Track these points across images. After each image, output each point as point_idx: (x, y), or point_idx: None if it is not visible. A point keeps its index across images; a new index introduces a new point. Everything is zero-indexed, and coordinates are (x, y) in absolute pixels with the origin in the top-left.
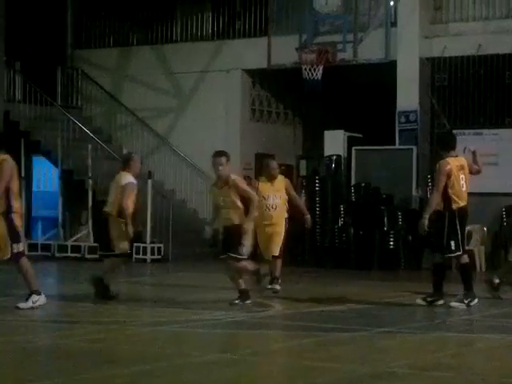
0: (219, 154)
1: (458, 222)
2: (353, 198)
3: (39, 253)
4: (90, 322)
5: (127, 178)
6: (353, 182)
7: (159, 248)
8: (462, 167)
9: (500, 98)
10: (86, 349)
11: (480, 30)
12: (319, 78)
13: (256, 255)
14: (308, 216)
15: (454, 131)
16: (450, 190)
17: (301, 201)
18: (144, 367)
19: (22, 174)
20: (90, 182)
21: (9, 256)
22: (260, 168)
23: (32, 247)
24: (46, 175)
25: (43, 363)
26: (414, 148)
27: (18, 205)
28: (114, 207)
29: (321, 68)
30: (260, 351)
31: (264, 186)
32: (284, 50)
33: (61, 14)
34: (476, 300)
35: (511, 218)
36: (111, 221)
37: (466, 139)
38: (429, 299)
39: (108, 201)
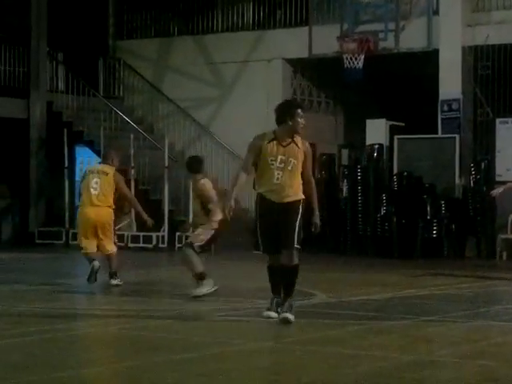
0: None
1: None
2: (395, 187)
3: None
4: (132, 311)
5: None
6: (395, 171)
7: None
8: None
9: None
10: (127, 337)
11: None
12: (360, 66)
13: None
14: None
15: (498, 120)
16: None
17: None
18: (185, 355)
19: (66, 164)
20: (133, 171)
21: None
22: None
23: (74, 236)
24: (89, 165)
25: (87, 350)
26: (457, 137)
27: None
28: None
29: (362, 57)
30: (302, 340)
31: None
32: (325, 40)
33: (102, 5)
34: None
35: None
36: None
37: (509, 127)
38: None
39: None
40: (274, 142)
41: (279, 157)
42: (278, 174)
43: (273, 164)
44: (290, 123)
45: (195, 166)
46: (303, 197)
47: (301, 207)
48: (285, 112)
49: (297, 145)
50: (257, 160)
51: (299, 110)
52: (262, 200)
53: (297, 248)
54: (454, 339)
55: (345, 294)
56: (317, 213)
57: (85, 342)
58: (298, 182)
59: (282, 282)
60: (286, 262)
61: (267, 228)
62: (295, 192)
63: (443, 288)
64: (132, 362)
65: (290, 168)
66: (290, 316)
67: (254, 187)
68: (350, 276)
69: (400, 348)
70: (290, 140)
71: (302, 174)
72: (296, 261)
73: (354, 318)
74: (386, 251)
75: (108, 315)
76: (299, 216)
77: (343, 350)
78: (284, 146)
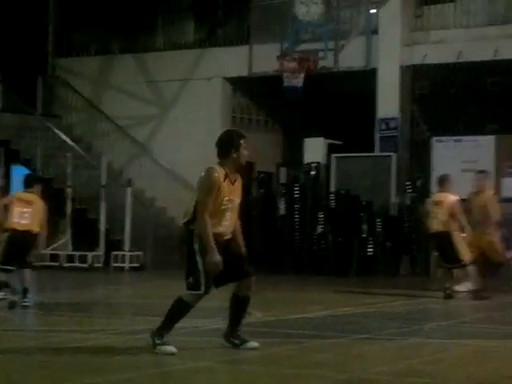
0: None
1: None
2: (332, 206)
3: None
4: (67, 330)
5: None
6: (332, 189)
7: (138, 256)
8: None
9: (480, 105)
10: (62, 357)
11: (460, 38)
12: (300, 85)
13: None
14: None
15: (434, 138)
16: None
17: None
18: (124, 375)
19: (1, 183)
20: (70, 190)
21: None
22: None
23: None
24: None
25: (21, 372)
26: (394, 155)
27: None
28: None
29: (302, 76)
30: (238, 359)
31: None
32: (265, 58)
33: (42, 23)
34: None
35: None
36: None
37: (445, 146)
38: None
39: None
40: (227, 179)
41: (230, 196)
42: (229, 214)
43: (226, 204)
44: (235, 156)
45: None
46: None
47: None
48: (229, 144)
49: (239, 181)
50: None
51: (243, 141)
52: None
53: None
54: (388, 357)
55: (281, 312)
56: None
57: (22, 363)
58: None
59: (237, 313)
60: (247, 292)
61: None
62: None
63: (378, 306)
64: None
65: (236, 206)
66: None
67: (188, 225)
68: (287, 294)
69: (335, 366)
70: (236, 176)
71: None
72: (251, 291)
73: (290, 337)
74: (322, 269)
75: (42, 336)
76: (241, 246)
77: (280, 369)
78: (233, 184)
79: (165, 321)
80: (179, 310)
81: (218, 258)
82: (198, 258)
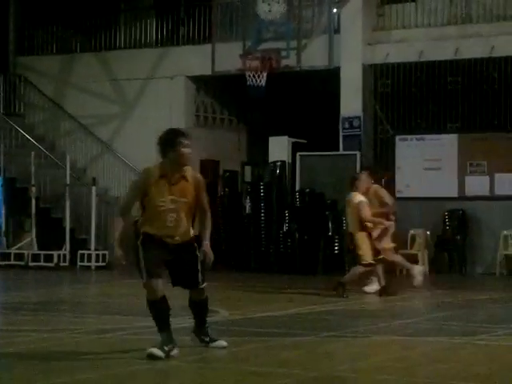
0: None
1: None
2: (297, 204)
3: None
4: (33, 330)
5: None
6: (297, 188)
7: (104, 255)
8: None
9: (442, 103)
10: (29, 357)
11: (422, 37)
12: (263, 84)
13: None
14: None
15: (397, 137)
16: None
17: None
18: (89, 375)
19: None
20: (34, 189)
21: None
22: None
23: None
24: None
25: None
26: (358, 153)
27: None
28: None
29: (265, 74)
30: (205, 357)
31: None
32: (228, 57)
33: (3, 21)
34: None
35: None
36: None
37: (409, 145)
38: None
39: None
40: (165, 178)
41: (170, 197)
42: (172, 215)
43: (163, 204)
44: (173, 155)
45: None
46: (195, 233)
47: (195, 244)
48: (166, 143)
49: (187, 180)
50: (143, 200)
51: (183, 139)
52: (149, 236)
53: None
54: (355, 354)
55: (248, 310)
56: (206, 242)
57: None
58: (191, 221)
59: (198, 314)
60: (199, 298)
61: (154, 254)
62: (187, 231)
63: (344, 304)
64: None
65: (184, 206)
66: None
67: (135, 229)
68: (253, 293)
69: (303, 364)
70: (178, 176)
71: (198, 206)
72: (205, 295)
73: (257, 335)
74: (288, 267)
75: (7, 336)
76: (197, 254)
77: (247, 367)
78: (174, 184)
79: (156, 324)
80: (152, 308)
81: (119, 253)
82: (140, 251)
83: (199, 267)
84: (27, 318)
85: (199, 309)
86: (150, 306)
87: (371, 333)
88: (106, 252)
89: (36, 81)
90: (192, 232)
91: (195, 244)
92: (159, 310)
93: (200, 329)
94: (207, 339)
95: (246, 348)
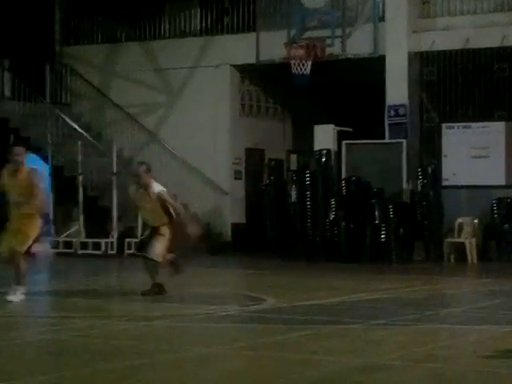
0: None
1: None
2: (343, 192)
3: None
4: (82, 317)
5: None
6: (343, 176)
7: None
8: None
9: (488, 91)
10: (78, 344)
11: (468, 24)
12: (308, 72)
13: None
14: None
15: (444, 125)
16: None
17: None
18: (137, 362)
19: None
20: (81, 178)
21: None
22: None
23: None
24: None
25: (36, 359)
26: (404, 142)
27: None
28: None
29: (309, 63)
30: (253, 345)
31: None
32: (272, 46)
33: (49, 11)
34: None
35: (501, 210)
36: None
37: (455, 133)
38: None
39: None
40: None
41: None
42: None
43: None
44: None
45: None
46: None
47: None
48: None
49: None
50: None
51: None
52: None
53: None
54: (403, 342)
55: (294, 298)
56: None
57: (34, 350)
58: None
59: None
60: None
61: None
62: None
63: (392, 292)
64: (84, 370)
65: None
66: None
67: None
68: (300, 281)
69: (350, 352)
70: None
71: None
72: None
73: (303, 323)
74: (334, 256)
75: (57, 323)
76: None
77: (293, 355)
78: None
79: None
80: None
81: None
82: None
83: None
84: (77, 304)
85: None
86: None
87: (419, 321)
88: None
89: (82, 70)
90: None
91: None
92: None
93: None
94: None
95: (292, 336)
